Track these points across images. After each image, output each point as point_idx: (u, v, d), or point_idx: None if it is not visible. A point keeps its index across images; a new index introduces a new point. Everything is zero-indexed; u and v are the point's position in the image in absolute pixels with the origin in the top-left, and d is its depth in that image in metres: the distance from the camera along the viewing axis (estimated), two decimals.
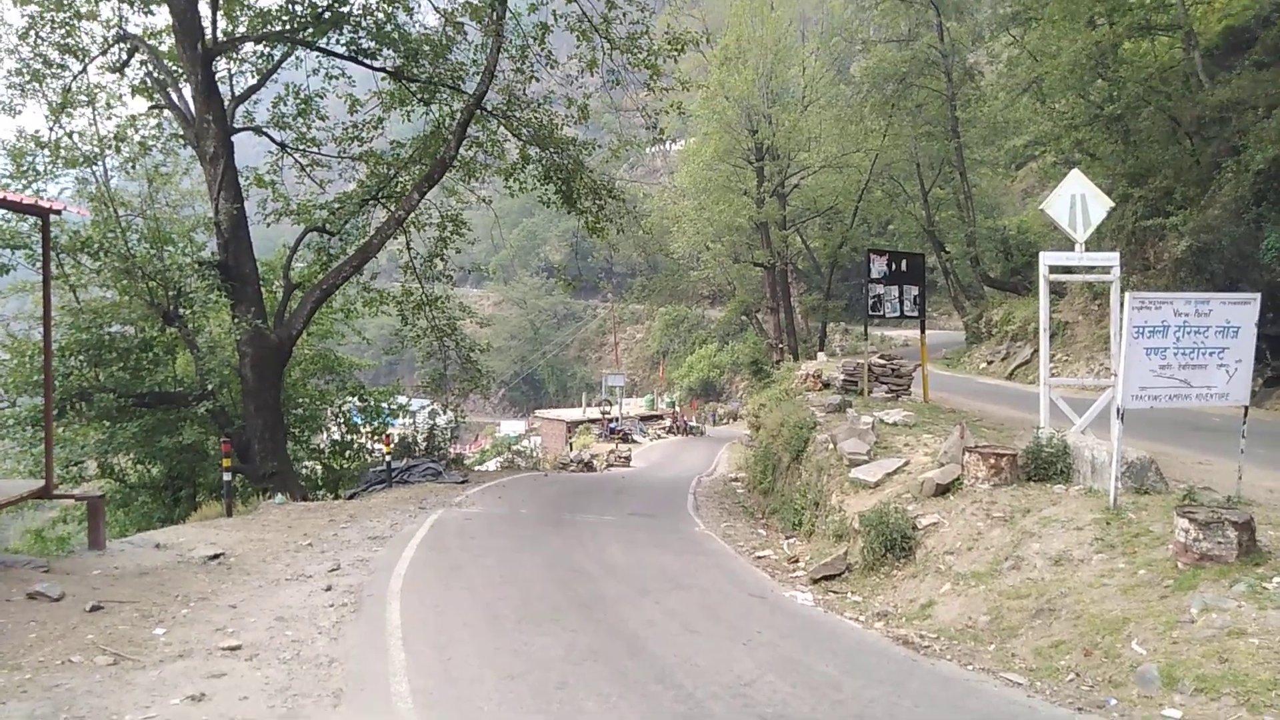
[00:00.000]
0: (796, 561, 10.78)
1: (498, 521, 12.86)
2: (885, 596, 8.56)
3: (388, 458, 17.67)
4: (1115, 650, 5.97)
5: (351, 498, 15.93)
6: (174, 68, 16.61)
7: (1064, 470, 9.01)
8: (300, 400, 20.71)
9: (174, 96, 16.57)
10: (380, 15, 16.96)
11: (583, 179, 18.47)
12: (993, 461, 9.28)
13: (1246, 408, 7.99)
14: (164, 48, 16.99)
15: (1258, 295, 7.78)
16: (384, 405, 22.54)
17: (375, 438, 22.27)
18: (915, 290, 16.68)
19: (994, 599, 7.41)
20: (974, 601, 7.56)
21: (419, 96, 18.20)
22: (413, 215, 18.52)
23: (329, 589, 8.21)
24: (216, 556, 9.07)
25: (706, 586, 9.19)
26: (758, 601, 8.60)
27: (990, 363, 27.26)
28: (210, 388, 15.87)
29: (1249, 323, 7.63)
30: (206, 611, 7.28)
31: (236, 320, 15.49)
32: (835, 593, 9.08)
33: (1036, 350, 25.42)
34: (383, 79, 18.31)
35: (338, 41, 17.41)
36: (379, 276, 21.65)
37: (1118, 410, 7.64)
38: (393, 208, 17.92)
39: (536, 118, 18.21)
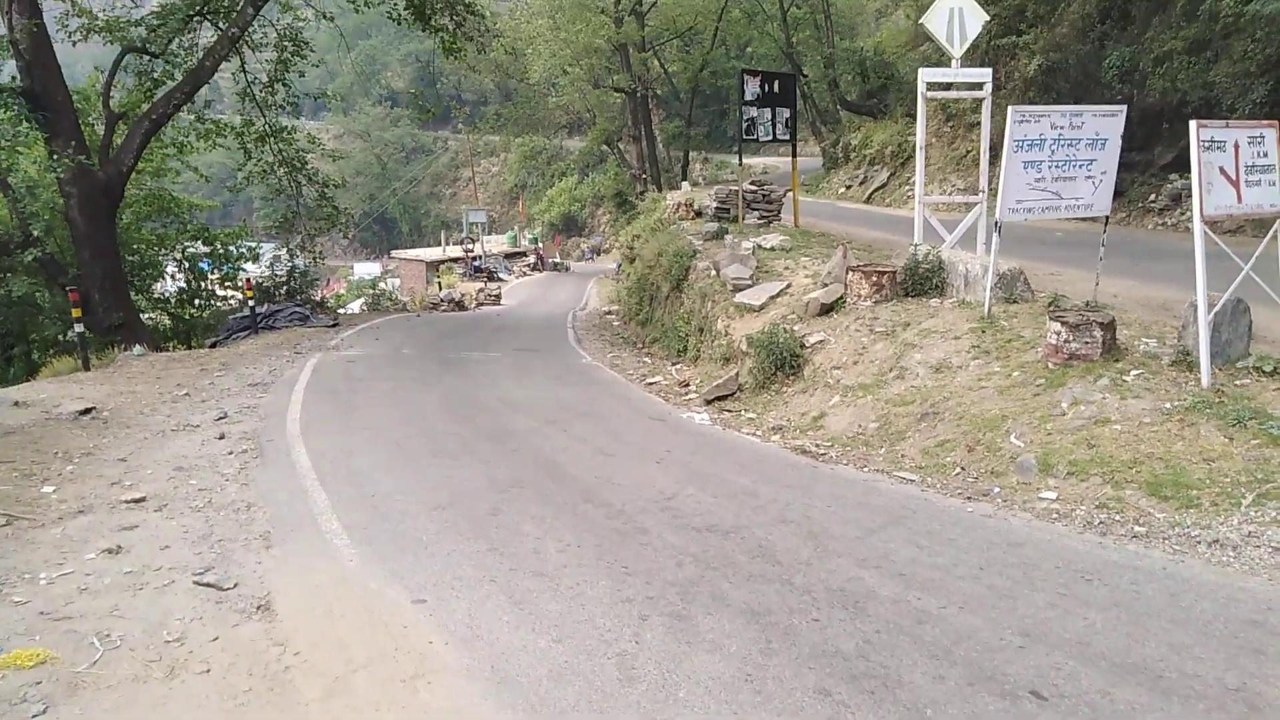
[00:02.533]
0: (687, 385, 11.15)
1: (382, 363, 12.55)
2: (778, 412, 9.03)
3: (250, 303, 16.67)
4: (996, 445, 6.59)
5: (214, 346, 15.06)
6: None
7: (939, 284, 9.57)
8: (136, 246, 18.99)
9: None
10: None
11: None
12: (875, 279, 9.73)
13: (1107, 218, 8.62)
14: None
15: (1124, 107, 8.23)
16: (233, 249, 20.97)
17: (225, 284, 20.88)
18: (786, 113, 16.71)
19: (881, 407, 7.96)
20: (863, 411, 8.10)
21: None
22: (247, 34, 16.63)
23: (222, 437, 7.87)
24: (88, 411, 8.45)
25: (607, 413, 9.42)
26: (659, 424, 8.90)
27: (849, 187, 28.03)
28: (35, 234, 14.26)
29: (1115, 135, 8.09)
30: (95, 466, 6.85)
31: (55, 156, 13.75)
32: (729, 411, 9.51)
33: (893, 174, 26.36)
34: None
35: None
36: (213, 105, 19.53)
37: (995, 223, 8.08)
38: (223, 25, 16.00)
39: None
